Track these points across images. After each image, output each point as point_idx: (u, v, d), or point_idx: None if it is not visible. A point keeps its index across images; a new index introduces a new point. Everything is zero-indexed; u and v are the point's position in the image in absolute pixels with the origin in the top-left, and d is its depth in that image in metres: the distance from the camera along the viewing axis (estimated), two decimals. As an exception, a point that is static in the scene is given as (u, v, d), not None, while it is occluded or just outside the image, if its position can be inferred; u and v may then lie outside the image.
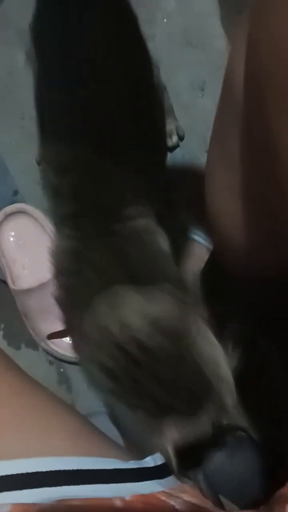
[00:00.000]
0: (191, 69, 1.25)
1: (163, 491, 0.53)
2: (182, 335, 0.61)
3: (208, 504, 0.58)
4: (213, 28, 1.25)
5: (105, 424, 1.01)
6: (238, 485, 0.96)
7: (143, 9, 1.26)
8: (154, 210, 0.75)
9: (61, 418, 0.58)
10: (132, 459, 0.56)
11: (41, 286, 1.07)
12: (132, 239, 0.71)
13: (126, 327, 0.60)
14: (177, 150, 1.23)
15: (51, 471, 0.49)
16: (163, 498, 0.52)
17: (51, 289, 0.75)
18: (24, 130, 1.22)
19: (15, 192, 1.21)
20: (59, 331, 0.79)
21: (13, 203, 1.14)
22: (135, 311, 0.61)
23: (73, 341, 0.72)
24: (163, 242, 0.74)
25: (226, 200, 0.61)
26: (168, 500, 0.52)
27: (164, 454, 0.59)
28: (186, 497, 0.54)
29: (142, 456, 0.59)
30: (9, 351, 1.16)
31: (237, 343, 0.92)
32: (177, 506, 0.52)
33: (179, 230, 1.06)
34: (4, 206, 1.13)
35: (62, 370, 1.16)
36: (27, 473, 0.48)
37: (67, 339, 1.09)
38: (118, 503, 0.49)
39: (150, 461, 0.57)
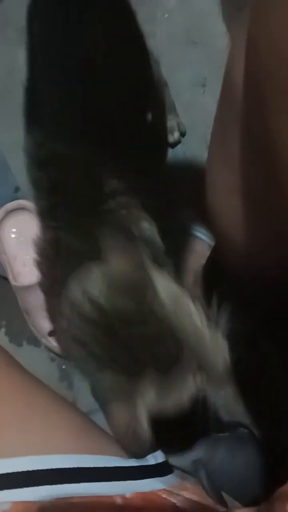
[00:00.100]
0: (192, 67, 1.25)
1: (163, 489, 0.53)
2: (140, 291, 0.61)
3: (208, 501, 0.58)
4: (214, 26, 1.25)
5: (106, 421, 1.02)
6: (240, 482, 0.96)
7: (144, 7, 1.25)
8: (148, 204, 0.75)
9: (62, 416, 0.58)
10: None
11: (42, 283, 1.07)
12: (109, 224, 0.72)
13: (87, 295, 0.60)
14: (178, 146, 1.23)
15: (51, 469, 0.49)
16: (163, 495, 0.52)
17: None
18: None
19: (16, 189, 1.21)
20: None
21: (14, 199, 1.14)
22: (95, 278, 0.61)
23: (53, 326, 0.72)
24: (147, 226, 0.74)
25: (226, 199, 0.61)
26: (168, 498, 0.52)
27: (138, 422, 0.58)
28: (186, 494, 0.55)
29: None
30: (11, 348, 1.16)
31: (237, 342, 0.92)
32: (178, 504, 0.52)
33: (180, 227, 1.06)
34: (6, 203, 1.13)
35: (63, 367, 1.16)
36: (28, 471, 0.48)
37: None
38: (118, 500, 0.49)
39: (151, 459, 0.57)
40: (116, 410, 0.59)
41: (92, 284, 0.61)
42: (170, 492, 0.53)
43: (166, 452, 0.67)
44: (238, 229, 0.60)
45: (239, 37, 0.47)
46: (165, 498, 0.52)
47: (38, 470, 0.48)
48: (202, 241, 1.07)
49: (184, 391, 0.61)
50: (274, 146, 0.42)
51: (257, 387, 1.08)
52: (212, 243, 1.03)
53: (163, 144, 1.19)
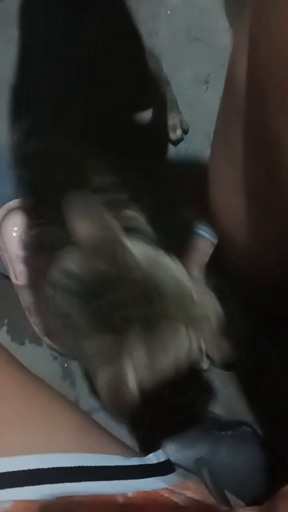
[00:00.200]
0: (195, 64, 1.24)
1: (165, 488, 0.53)
2: (110, 250, 0.61)
3: (211, 500, 0.58)
4: (216, 24, 1.24)
5: (108, 420, 1.01)
6: (243, 480, 0.96)
7: (146, 5, 1.25)
8: (149, 203, 0.75)
9: (64, 415, 0.58)
10: (134, 456, 0.56)
11: (44, 281, 1.07)
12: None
13: (65, 271, 0.61)
14: (181, 144, 1.23)
15: (53, 468, 0.49)
16: (165, 494, 0.52)
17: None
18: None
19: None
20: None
21: (16, 198, 1.14)
22: (71, 254, 0.62)
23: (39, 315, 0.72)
24: (132, 215, 0.73)
25: (228, 196, 0.61)
26: (170, 497, 0.52)
27: (125, 381, 0.58)
28: (188, 493, 0.54)
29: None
30: (13, 346, 1.16)
31: (237, 342, 0.91)
32: (180, 503, 0.52)
33: (182, 225, 1.05)
34: (7, 201, 1.13)
35: (66, 365, 1.16)
36: (29, 470, 0.48)
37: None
38: (120, 499, 0.49)
39: (153, 458, 0.57)
40: (104, 374, 0.58)
41: (68, 260, 0.61)
42: (172, 491, 0.53)
43: (168, 430, 0.67)
44: (240, 227, 0.60)
45: (241, 35, 0.47)
46: (167, 497, 0.52)
47: (39, 469, 0.48)
48: (205, 239, 1.07)
49: (177, 347, 0.62)
50: (274, 145, 0.42)
51: (257, 387, 1.08)
52: (215, 241, 1.03)
53: (163, 142, 1.19)
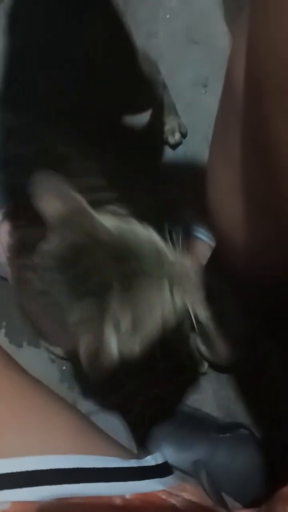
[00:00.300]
0: (194, 67, 1.25)
1: (163, 490, 0.53)
2: (78, 219, 0.62)
3: (208, 502, 0.57)
4: (215, 26, 1.25)
5: (106, 422, 1.01)
6: (240, 483, 0.96)
7: (145, 7, 1.26)
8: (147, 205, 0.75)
9: (62, 416, 0.58)
10: (132, 458, 0.56)
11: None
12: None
13: (42, 254, 0.62)
14: (180, 146, 1.23)
15: (51, 469, 0.49)
16: (163, 496, 0.52)
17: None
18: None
19: (18, 190, 1.21)
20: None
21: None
22: (46, 240, 0.63)
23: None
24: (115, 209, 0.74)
25: (227, 198, 0.61)
26: (168, 499, 0.52)
27: (106, 344, 0.59)
28: (186, 495, 0.54)
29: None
30: (11, 349, 1.16)
31: (237, 342, 0.92)
32: (178, 505, 0.52)
33: (180, 228, 1.06)
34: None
35: (64, 368, 1.16)
36: (28, 471, 0.48)
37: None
38: (118, 501, 0.49)
39: (151, 460, 0.57)
40: (84, 339, 0.59)
41: (44, 244, 0.62)
42: (170, 493, 0.53)
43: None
44: (239, 229, 0.60)
45: (239, 37, 0.47)
46: (164, 499, 0.52)
47: (37, 470, 0.48)
48: (203, 242, 1.07)
49: (162, 305, 0.63)
50: (273, 147, 0.42)
51: (257, 387, 1.08)
52: (213, 244, 1.03)
53: (159, 145, 1.19)
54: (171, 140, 1.21)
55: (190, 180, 1.14)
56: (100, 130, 0.77)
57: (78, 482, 0.49)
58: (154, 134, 1.20)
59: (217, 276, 0.88)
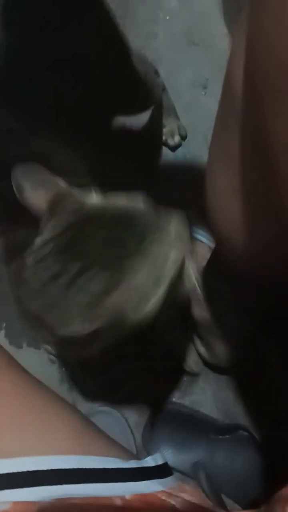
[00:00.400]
0: (194, 68, 1.25)
1: (163, 491, 0.53)
2: (63, 202, 0.63)
3: (208, 504, 0.58)
4: (215, 27, 1.25)
5: (106, 423, 1.01)
6: (239, 484, 0.96)
7: (145, 8, 1.26)
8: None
9: (62, 417, 0.58)
10: (132, 459, 0.56)
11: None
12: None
13: (35, 250, 0.63)
14: (179, 149, 1.23)
15: (51, 470, 0.49)
16: (163, 497, 0.52)
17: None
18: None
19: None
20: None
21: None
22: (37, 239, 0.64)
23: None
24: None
25: (226, 200, 0.61)
26: (168, 500, 0.52)
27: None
28: (186, 496, 0.54)
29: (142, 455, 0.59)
30: (11, 350, 1.16)
31: (238, 342, 0.92)
32: (177, 506, 0.52)
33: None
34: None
35: (63, 369, 1.16)
36: (28, 472, 0.48)
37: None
38: (118, 502, 0.49)
39: (150, 461, 0.57)
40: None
41: (37, 239, 0.62)
42: (170, 494, 0.53)
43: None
44: (238, 230, 0.60)
45: (239, 37, 0.47)
46: (164, 500, 0.52)
47: (38, 471, 0.48)
48: (202, 243, 1.07)
49: (172, 257, 0.64)
50: (271, 149, 0.42)
51: (257, 387, 1.08)
52: (213, 245, 1.03)
53: (157, 146, 1.19)
54: (171, 142, 1.21)
55: (189, 182, 1.15)
56: (99, 131, 0.77)
57: (78, 483, 0.49)
58: (152, 135, 1.20)
59: (217, 276, 0.88)
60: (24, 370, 0.62)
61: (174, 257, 0.64)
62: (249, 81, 0.45)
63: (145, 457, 0.58)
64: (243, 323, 0.95)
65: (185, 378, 1.13)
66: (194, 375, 1.12)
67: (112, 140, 0.81)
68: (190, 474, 0.95)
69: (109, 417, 1.08)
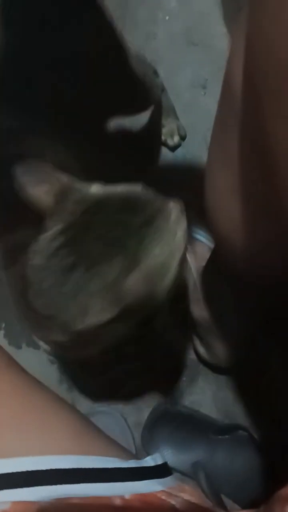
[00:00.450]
0: (193, 68, 1.25)
1: (162, 490, 0.53)
2: (67, 195, 0.64)
3: (207, 503, 0.57)
4: (214, 27, 1.25)
5: (105, 423, 1.02)
6: (239, 484, 0.96)
7: (145, 9, 1.26)
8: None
9: (62, 417, 0.58)
10: (132, 459, 0.56)
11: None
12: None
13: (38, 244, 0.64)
14: (179, 149, 1.23)
15: (51, 470, 0.49)
16: (162, 497, 0.52)
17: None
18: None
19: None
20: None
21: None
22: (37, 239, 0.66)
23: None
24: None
25: (225, 200, 0.61)
26: (167, 499, 0.52)
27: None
28: (185, 496, 0.54)
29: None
30: (10, 350, 1.16)
31: (237, 344, 0.92)
32: (177, 505, 0.52)
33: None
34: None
35: (63, 369, 1.16)
36: (27, 471, 0.48)
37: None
38: (117, 501, 0.49)
39: (150, 461, 0.57)
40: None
41: (42, 235, 0.64)
42: (169, 494, 0.53)
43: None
44: (238, 230, 0.60)
45: (238, 38, 0.47)
46: (164, 500, 0.52)
47: (37, 471, 0.48)
48: (202, 243, 1.07)
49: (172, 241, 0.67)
50: (270, 149, 0.42)
51: (257, 387, 1.08)
52: (212, 245, 1.03)
53: (156, 146, 1.19)
54: (170, 142, 1.21)
55: (188, 182, 1.15)
56: (99, 130, 0.77)
57: (78, 483, 0.49)
58: (152, 135, 1.20)
59: (217, 276, 0.88)
60: (23, 370, 0.62)
61: (181, 233, 0.66)
62: (248, 81, 0.45)
63: (145, 457, 0.58)
64: (243, 323, 0.95)
65: (185, 378, 1.13)
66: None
67: (112, 140, 0.81)
68: (190, 474, 0.95)
69: (108, 417, 1.08)
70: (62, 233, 0.62)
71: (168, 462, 0.60)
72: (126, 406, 1.12)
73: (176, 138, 1.21)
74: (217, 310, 0.95)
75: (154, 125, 1.19)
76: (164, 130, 1.21)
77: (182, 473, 0.95)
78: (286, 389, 1.07)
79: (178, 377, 1.13)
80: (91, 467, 0.51)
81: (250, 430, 1.04)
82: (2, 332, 1.19)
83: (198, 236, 1.07)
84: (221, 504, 0.62)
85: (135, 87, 0.92)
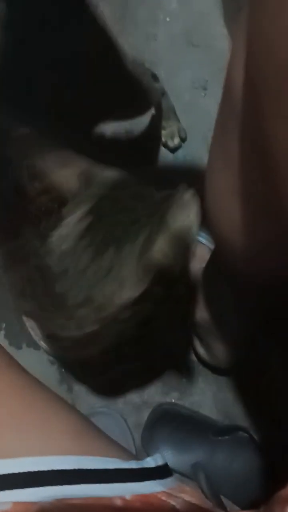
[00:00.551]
0: (193, 69, 1.25)
1: (163, 491, 0.53)
2: (91, 179, 0.69)
3: (208, 504, 0.57)
4: (215, 28, 1.25)
5: (105, 424, 1.01)
6: (239, 485, 0.96)
7: (145, 10, 1.26)
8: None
9: (62, 417, 0.57)
10: (132, 459, 0.56)
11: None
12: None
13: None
14: (179, 150, 1.23)
15: (52, 470, 0.49)
16: (163, 498, 0.52)
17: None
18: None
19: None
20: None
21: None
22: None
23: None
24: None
25: (226, 201, 0.61)
26: (168, 500, 0.52)
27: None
28: (186, 497, 0.54)
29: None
30: (10, 350, 1.16)
31: (237, 345, 0.92)
32: (177, 506, 0.52)
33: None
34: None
35: (63, 370, 1.16)
36: (28, 472, 0.48)
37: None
38: (118, 502, 0.49)
39: (151, 462, 0.57)
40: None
41: (66, 219, 0.67)
42: (170, 495, 0.53)
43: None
44: (238, 230, 0.60)
45: (239, 38, 0.47)
46: (164, 501, 0.52)
47: (38, 471, 0.48)
48: (201, 245, 1.07)
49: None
50: (270, 150, 0.42)
51: (257, 387, 1.08)
52: (212, 247, 1.03)
53: (156, 148, 1.20)
54: (171, 144, 1.21)
55: (189, 183, 1.15)
56: (99, 130, 0.78)
57: (78, 483, 0.49)
58: (151, 138, 1.20)
59: (217, 276, 0.88)
60: (24, 371, 0.62)
61: (194, 210, 0.71)
62: (249, 82, 0.45)
63: (145, 458, 0.58)
64: (243, 323, 0.95)
65: (185, 379, 1.13)
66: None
67: (112, 140, 0.81)
68: (190, 475, 0.95)
69: (108, 418, 1.08)
70: (88, 214, 0.65)
71: (168, 463, 0.60)
72: (126, 407, 1.12)
73: (177, 140, 1.21)
74: (217, 310, 0.95)
75: (154, 128, 1.19)
76: (164, 132, 1.21)
77: (182, 474, 0.95)
78: (286, 389, 1.07)
79: (178, 378, 1.13)
80: (91, 468, 0.51)
81: (250, 431, 1.04)
82: (3, 332, 1.19)
83: (198, 238, 1.07)
84: (221, 505, 0.62)
85: (133, 89, 0.92)
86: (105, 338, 0.77)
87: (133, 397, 1.12)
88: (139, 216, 0.67)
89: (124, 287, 0.65)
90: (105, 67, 0.82)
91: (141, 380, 1.12)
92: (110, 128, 0.94)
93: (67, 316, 0.71)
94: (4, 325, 1.19)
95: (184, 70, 1.25)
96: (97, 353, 0.82)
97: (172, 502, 0.52)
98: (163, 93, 1.11)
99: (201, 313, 0.98)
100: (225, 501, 0.65)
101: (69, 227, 0.65)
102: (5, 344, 1.18)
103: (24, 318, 1.14)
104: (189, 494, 0.55)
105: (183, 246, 0.70)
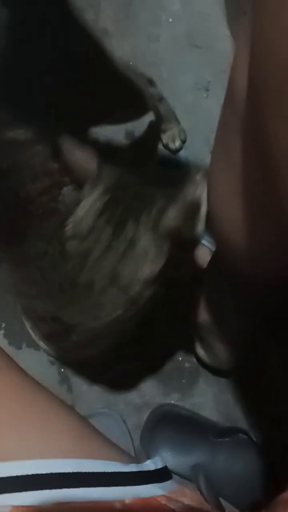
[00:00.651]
0: (196, 70, 1.25)
1: (163, 495, 0.53)
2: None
3: (207, 507, 0.57)
4: (217, 30, 1.25)
5: (105, 425, 1.01)
6: (239, 487, 0.96)
7: (148, 11, 1.26)
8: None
9: (62, 419, 0.57)
10: (132, 462, 0.56)
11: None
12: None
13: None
14: (181, 151, 1.23)
15: (51, 473, 0.48)
16: (163, 501, 0.52)
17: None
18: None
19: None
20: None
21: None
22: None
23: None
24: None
25: (227, 202, 0.61)
26: (167, 504, 0.52)
27: None
28: (186, 500, 0.54)
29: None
30: (10, 350, 1.16)
31: (237, 345, 0.92)
32: (177, 510, 0.52)
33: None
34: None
35: (62, 370, 1.15)
36: (27, 475, 0.48)
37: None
38: (118, 505, 0.49)
39: (151, 464, 0.57)
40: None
41: (86, 199, 0.71)
42: (170, 498, 0.53)
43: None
44: (240, 232, 0.60)
45: (241, 41, 0.47)
46: (164, 504, 0.52)
47: (38, 474, 0.48)
48: (203, 246, 1.07)
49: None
50: (271, 150, 0.42)
51: (257, 388, 1.08)
52: (213, 248, 1.03)
53: (154, 150, 1.20)
54: (172, 146, 1.22)
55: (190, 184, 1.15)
56: (99, 131, 0.78)
57: (78, 486, 0.48)
58: (150, 143, 1.20)
59: (217, 277, 0.88)
60: (24, 371, 0.61)
61: (202, 188, 0.74)
62: (250, 82, 0.45)
63: (144, 460, 0.58)
64: (243, 323, 0.95)
65: (185, 380, 1.12)
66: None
67: (111, 141, 0.81)
68: (189, 477, 0.95)
69: (109, 419, 1.08)
70: (106, 192, 0.69)
71: (168, 465, 0.59)
72: (126, 407, 1.12)
73: (178, 143, 1.22)
74: (217, 310, 0.95)
75: (154, 130, 1.19)
76: (165, 135, 1.21)
77: (182, 476, 0.95)
78: (286, 389, 1.07)
79: (179, 378, 1.13)
80: (91, 471, 0.51)
81: (250, 432, 1.03)
82: (2, 332, 1.19)
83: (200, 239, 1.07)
84: (220, 507, 0.62)
85: (132, 90, 0.93)
86: (105, 338, 0.77)
87: (134, 398, 1.12)
88: (154, 191, 0.72)
89: (146, 260, 0.70)
90: (105, 67, 0.82)
91: (141, 380, 1.12)
92: (110, 128, 0.94)
93: (94, 304, 0.73)
94: (4, 325, 1.19)
95: (187, 71, 1.25)
96: (97, 353, 0.82)
97: (172, 505, 0.52)
98: (161, 98, 1.11)
99: (202, 314, 0.98)
100: (224, 503, 0.64)
101: (85, 208, 0.69)
102: (5, 344, 1.18)
103: (24, 318, 1.14)
104: (188, 497, 0.55)
105: (193, 216, 0.73)
